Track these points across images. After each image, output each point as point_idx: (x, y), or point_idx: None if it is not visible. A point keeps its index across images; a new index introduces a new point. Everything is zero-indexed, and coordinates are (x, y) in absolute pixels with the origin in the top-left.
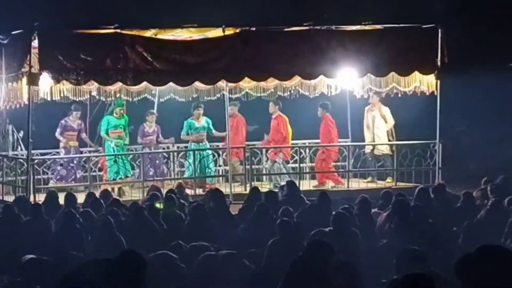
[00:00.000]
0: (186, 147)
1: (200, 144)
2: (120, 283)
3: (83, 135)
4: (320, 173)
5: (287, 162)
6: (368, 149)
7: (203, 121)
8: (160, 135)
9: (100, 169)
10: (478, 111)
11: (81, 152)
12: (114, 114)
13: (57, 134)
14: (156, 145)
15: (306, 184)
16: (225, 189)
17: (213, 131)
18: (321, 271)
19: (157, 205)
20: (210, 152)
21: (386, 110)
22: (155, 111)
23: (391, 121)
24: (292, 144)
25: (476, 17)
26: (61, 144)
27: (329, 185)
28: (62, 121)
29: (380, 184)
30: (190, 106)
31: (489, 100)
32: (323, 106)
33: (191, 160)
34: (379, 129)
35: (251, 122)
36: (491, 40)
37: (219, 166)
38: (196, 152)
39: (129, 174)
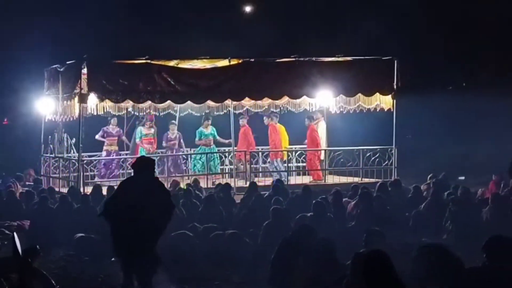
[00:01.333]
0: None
1: (208, 147)
2: None
3: (123, 138)
4: (311, 170)
5: (284, 162)
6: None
7: (210, 129)
8: (181, 140)
9: None
10: (424, 122)
11: (120, 155)
12: (145, 125)
13: (97, 136)
14: (178, 149)
15: (293, 180)
16: (230, 183)
17: (217, 137)
18: (306, 246)
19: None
20: (216, 155)
21: (322, 125)
22: (176, 122)
23: (321, 135)
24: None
25: (423, 52)
26: (104, 147)
27: (310, 179)
28: (104, 128)
29: (350, 179)
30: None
31: (432, 114)
32: (309, 117)
33: (199, 160)
34: (321, 138)
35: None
36: (434, 69)
37: (226, 165)
38: (206, 155)
39: (157, 171)
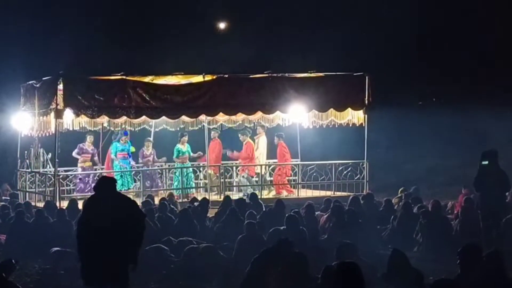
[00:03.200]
0: (170, 165)
1: (184, 163)
2: None
3: (95, 158)
4: (277, 185)
5: (252, 177)
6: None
7: (186, 147)
8: (155, 157)
9: None
10: (395, 137)
11: (95, 170)
12: (120, 141)
13: (73, 153)
14: (153, 164)
15: (265, 194)
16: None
17: (191, 154)
18: (280, 258)
19: None
20: (191, 170)
21: (262, 140)
22: (151, 138)
23: (261, 149)
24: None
25: (393, 68)
26: (79, 164)
27: (284, 194)
28: (80, 145)
29: (322, 193)
30: (178, 134)
31: (402, 129)
32: (278, 135)
33: (178, 176)
34: (261, 153)
35: (224, 146)
36: (404, 85)
37: (200, 179)
38: (181, 170)
39: (132, 186)
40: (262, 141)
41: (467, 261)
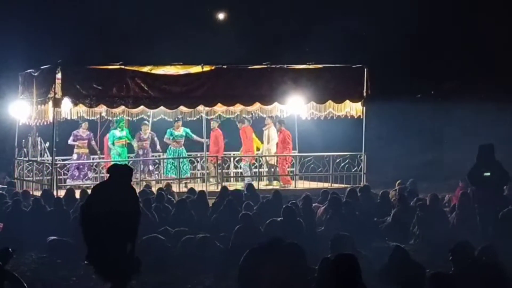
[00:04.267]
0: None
1: (178, 149)
2: None
3: (93, 143)
4: (279, 176)
5: (253, 164)
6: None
7: (182, 131)
8: (155, 139)
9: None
10: (393, 130)
11: (91, 158)
12: (118, 129)
13: (69, 141)
14: (150, 149)
15: (262, 185)
16: (202, 187)
17: (193, 136)
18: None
19: None
20: (186, 160)
21: (273, 131)
22: (148, 123)
23: (273, 140)
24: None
25: (392, 59)
26: (75, 150)
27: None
28: (74, 132)
29: (320, 185)
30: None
31: (401, 122)
32: (280, 122)
33: (175, 164)
34: (270, 144)
35: (224, 136)
36: (403, 77)
37: (198, 170)
38: (178, 160)
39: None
40: (272, 132)
41: (459, 259)
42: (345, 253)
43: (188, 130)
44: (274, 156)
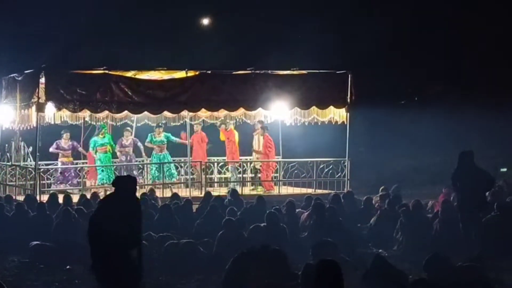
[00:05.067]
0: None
1: (161, 153)
2: None
3: (79, 149)
4: (265, 181)
5: (238, 169)
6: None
7: (162, 136)
8: (139, 143)
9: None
10: (377, 135)
11: (76, 164)
12: (100, 135)
13: (50, 149)
14: (133, 156)
15: (247, 190)
16: (186, 193)
17: (175, 139)
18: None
19: None
20: (172, 165)
21: (266, 137)
22: (131, 129)
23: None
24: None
25: (376, 66)
26: (59, 159)
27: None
28: (57, 141)
29: (303, 190)
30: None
31: (384, 127)
32: (263, 127)
33: (157, 169)
34: (260, 149)
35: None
36: (387, 84)
37: (181, 175)
38: (162, 165)
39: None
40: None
41: (432, 272)
42: (327, 259)
43: (169, 134)
44: (260, 161)
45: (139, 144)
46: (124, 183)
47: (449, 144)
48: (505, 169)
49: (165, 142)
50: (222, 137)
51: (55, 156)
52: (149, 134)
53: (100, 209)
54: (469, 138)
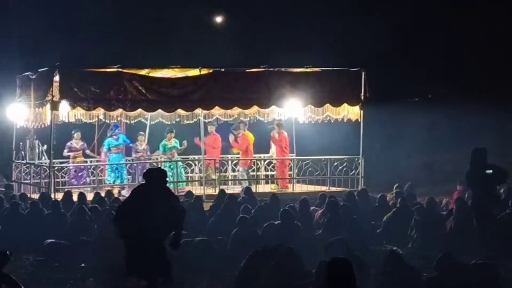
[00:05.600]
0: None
1: (172, 159)
2: None
3: (87, 152)
4: (281, 179)
5: (249, 169)
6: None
7: (173, 142)
8: (148, 152)
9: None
10: (391, 133)
11: (90, 162)
12: (114, 136)
13: (64, 152)
14: (146, 159)
15: (261, 188)
16: (200, 191)
17: (179, 147)
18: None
19: None
20: (181, 164)
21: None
22: (146, 132)
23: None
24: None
25: (390, 63)
26: (70, 160)
27: (273, 187)
28: (68, 143)
29: (317, 188)
30: (175, 127)
31: (398, 125)
32: (279, 125)
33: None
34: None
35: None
36: (400, 81)
37: (195, 173)
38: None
39: (125, 179)
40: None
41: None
42: (338, 258)
43: (177, 141)
44: (274, 159)
45: (149, 152)
46: (155, 175)
47: (463, 141)
48: (490, 171)
49: (176, 148)
50: (235, 150)
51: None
52: (160, 144)
53: (133, 195)
54: (483, 136)
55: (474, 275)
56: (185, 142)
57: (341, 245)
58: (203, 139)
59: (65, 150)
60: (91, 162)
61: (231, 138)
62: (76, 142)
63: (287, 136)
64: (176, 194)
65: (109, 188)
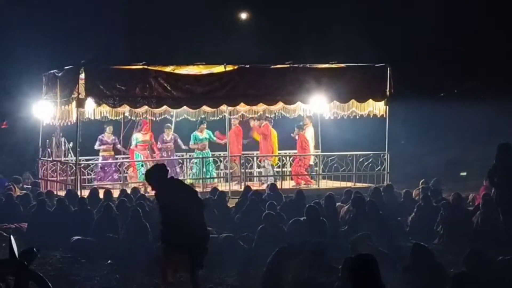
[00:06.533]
0: (191, 155)
1: (203, 151)
2: None
3: (118, 146)
4: (296, 175)
5: (274, 166)
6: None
7: (205, 133)
8: (178, 140)
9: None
10: (416, 128)
11: (116, 159)
12: (143, 131)
13: (96, 146)
14: (174, 150)
15: (287, 184)
16: (225, 187)
17: (214, 138)
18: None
19: None
20: (211, 159)
21: (310, 131)
22: (171, 125)
23: (312, 139)
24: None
25: (415, 59)
26: (100, 154)
27: (302, 184)
28: (100, 136)
29: (343, 184)
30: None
31: (424, 120)
32: (298, 127)
33: (198, 164)
34: (310, 144)
35: (244, 136)
36: (426, 76)
37: (221, 169)
38: (202, 159)
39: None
40: (309, 132)
41: (472, 266)
42: (363, 254)
43: (210, 133)
44: (299, 155)
45: (179, 140)
46: (158, 173)
47: (489, 137)
48: (465, 173)
49: (208, 139)
50: (256, 136)
51: (96, 151)
52: (192, 135)
53: (169, 184)
54: (509, 131)
55: (503, 271)
56: (217, 132)
57: (366, 241)
58: (228, 136)
59: (97, 143)
60: (116, 159)
61: (255, 123)
62: (108, 135)
63: (308, 138)
64: (202, 190)
65: (135, 185)
